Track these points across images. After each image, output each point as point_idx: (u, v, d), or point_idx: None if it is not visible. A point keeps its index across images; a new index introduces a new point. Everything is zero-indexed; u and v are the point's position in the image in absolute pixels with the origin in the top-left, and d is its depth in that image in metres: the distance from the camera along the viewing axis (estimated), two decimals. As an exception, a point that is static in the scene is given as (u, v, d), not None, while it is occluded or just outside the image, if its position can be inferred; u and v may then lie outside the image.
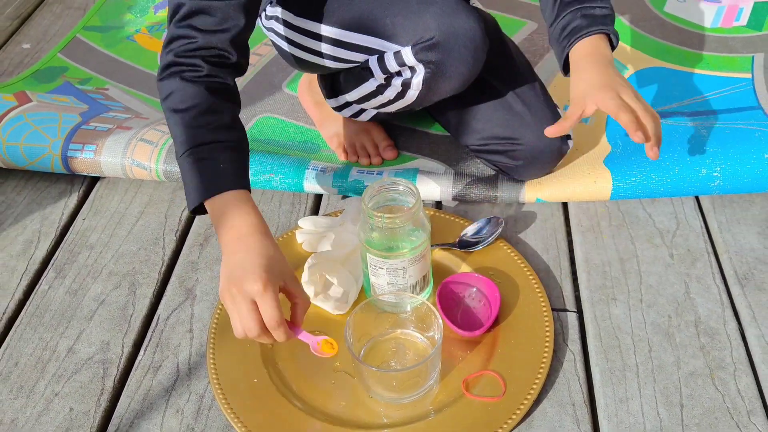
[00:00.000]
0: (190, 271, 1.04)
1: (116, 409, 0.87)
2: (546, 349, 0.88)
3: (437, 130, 1.24)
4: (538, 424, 0.82)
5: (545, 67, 1.36)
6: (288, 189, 1.14)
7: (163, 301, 1.00)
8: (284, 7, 1.02)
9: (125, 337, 0.96)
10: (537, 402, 0.84)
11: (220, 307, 0.96)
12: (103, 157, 1.15)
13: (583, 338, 0.92)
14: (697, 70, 1.32)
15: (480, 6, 1.49)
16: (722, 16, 1.46)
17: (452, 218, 1.06)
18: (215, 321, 0.94)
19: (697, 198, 1.09)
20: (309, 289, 0.95)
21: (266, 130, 1.26)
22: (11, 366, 0.93)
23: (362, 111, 1.12)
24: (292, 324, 0.81)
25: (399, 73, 0.98)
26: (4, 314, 1.00)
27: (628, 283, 0.97)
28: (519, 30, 1.47)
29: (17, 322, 0.99)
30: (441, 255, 1.01)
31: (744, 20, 1.45)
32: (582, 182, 1.08)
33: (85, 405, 0.88)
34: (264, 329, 0.77)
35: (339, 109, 1.15)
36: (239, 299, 0.76)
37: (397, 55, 0.95)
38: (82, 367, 0.92)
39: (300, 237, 1.03)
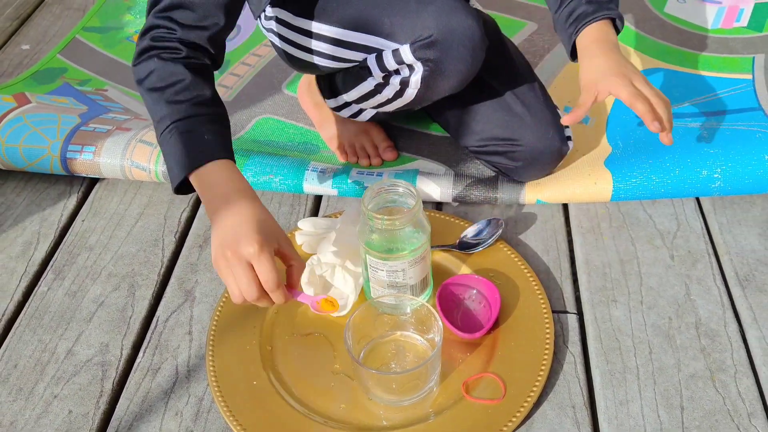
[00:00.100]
0: (189, 272, 1.04)
1: (115, 412, 0.87)
2: (546, 351, 0.87)
3: (437, 131, 1.23)
4: (538, 427, 0.82)
5: (545, 68, 1.36)
6: (287, 190, 1.13)
7: (162, 303, 1.00)
8: (283, 7, 1.02)
9: (124, 339, 0.95)
10: (537, 404, 0.84)
11: (219, 308, 0.95)
12: (103, 158, 1.15)
13: (584, 340, 0.91)
14: (697, 71, 1.32)
15: (479, 7, 1.49)
16: (723, 17, 1.46)
17: (452, 219, 1.06)
18: (215, 323, 0.94)
19: (697, 199, 1.09)
20: (309, 291, 0.94)
21: (266, 131, 1.26)
22: (10, 368, 0.93)
23: (361, 111, 1.12)
24: (289, 287, 0.80)
25: (397, 72, 0.98)
26: (3, 316, 1.00)
27: (629, 285, 0.97)
28: (519, 31, 1.47)
29: (16, 324, 0.98)
30: (441, 256, 1.01)
31: (744, 21, 1.45)
32: (582, 183, 1.07)
33: (84, 407, 0.88)
34: (262, 292, 0.77)
35: (338, 109, 1.15)
36: (235, 263, 0.76)
37: (395, 53, 0.94)
38: (81, 369, 0.92)
39: (300, 238, 1.03)
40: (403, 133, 1.24)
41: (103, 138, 1.17)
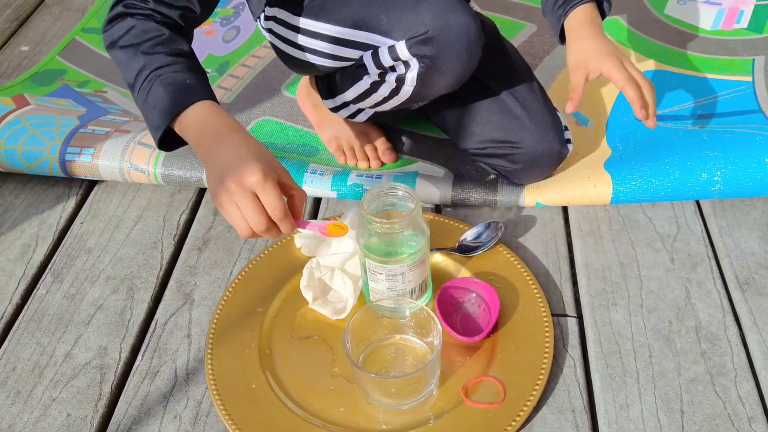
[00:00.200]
0: (188, 275, 1.04)
1: (114, 415, 0.87)
2: (546, 355, 0.87)
3: (436, 133, 1.23)
4: (538, 431, 0.82)
5: (545, 70, 1.36)
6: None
7: (161, 306, 1.00)
8: (282, 7, 1.02)
9: (123, 342, 0.95)
10: (537, 408, 0.84)
11: (218, 312, 0.95)
12: (101, 160, 1.15)
13: (583, 344, 0.91)
14: (697, 73, 1.32)
15: (478, 9, 1.49)
16: (723, 19, 1.46)
17: (452, 222, 1.06)
18: (213, 326, 0.94)
19: (697, 202, 1.09)
20: (308, 294, 0.94)
21: (265, 133, 1.26)
22: (9, 371, 0.93)
23: (359, 111, 1.12)
24: (293, 217, 0.79)
25: (393, 69, 0.97)
26: (1, 319, 1.00)
27: (629, 288, 0.97)
28: (518, 33, 1.47)
29: (15, 327, 0.98)
30: (440, 260, 1.01)
31: (744, 23, 1.44)
32: (582, 186, 1.07)
33: (82, 410, 0.87)
34: (270, 222, 0.75)
35: (336, 109, 1.14)
36: (239, 194, 0.74)
37: (391, 49, 0.94)
38: (79, 372, 0.92)
39: (299, 241, 1.03)
40: (403, 135, 1.24)
41: (101, 140, 1.17)
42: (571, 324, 0.93)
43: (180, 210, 1.15)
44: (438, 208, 1.12)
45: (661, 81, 1.31)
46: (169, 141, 0.86)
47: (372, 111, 1.10)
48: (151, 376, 0.91)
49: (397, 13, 0.94)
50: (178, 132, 0.83)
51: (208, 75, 0.89)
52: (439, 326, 0.83)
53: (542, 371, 0.85)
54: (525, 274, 0.97)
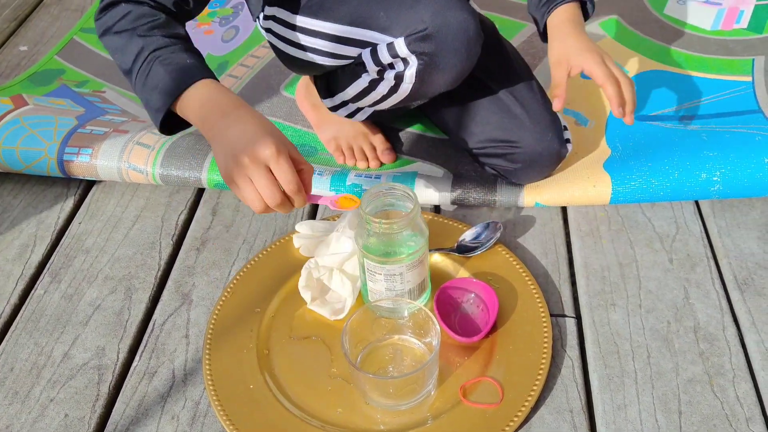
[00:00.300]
0: (186, 275, 1.03)
1: (111, 416, 0.87)
2: (544, 355, 0.87)
3: (436, 133, 1.23)
4: (536, 431, 0.82)
5: (544, 70, 1.36)
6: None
7: (159, 307, 0.99)
8: (281, 6, 1.02)
9: (121, 342, 0.95)
10: (535, 408, 0.84)
11: (216, 312, 0.95)
12: (100, 160, 1.15)
13: (582, 344, 0.91)
14: (697, 73, 1.32)
15: (477, 9, 1.49)
16: (722, 19, 1.46)
17: (451, 223, 1.06)
18: (211, 326, 0.94)
19: (696, 202, 1.09)
20: (306, 295, 0.94)
21: (264, 133, 1.26)
22: (6, 371, 0.92)
23: (358, 110, 1.12)
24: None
25: (392, 66, 0.97)
26: (-1, 319, 1.00)
27: (627, 289, 0.97)
28: (518, 33, 1.46)
29: (12, 327, 0.98)
30: (439, 260, 1.00)
31: (744, 23, 1.44)
32: (581, 186, 1.07)
33: (80, 411, 0.87)
34: (284, 196, 0.75)
35: (335, 108, 1.14)
36: (253, 168, 0.74)
37: (390, 46, 0.94)
38: (77, 372, 0.92)
39: (297, 241, 1.03)
40: (402, 135, 1.23)
41: (100, 140, 1.17)
42: (570, 324, 0.93)
43: (178, 210, 1.15)
44: (437, 209, 1.12)
45: (660, 81, 1.31)
46: (169, 124, 0.85)
47: (371, 110, 1.10)
48: (148, 377, 0.91)
49: (396, 11, 0.93)
50: (179, 113, 0.83)
51: None
52: (438, 326, 0.83)
53: (540, 371, 0.85)
54: (524, 274, 0.97)
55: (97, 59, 1.49)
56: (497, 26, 1.17)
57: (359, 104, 1.09)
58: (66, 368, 0.92)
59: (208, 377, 0.88)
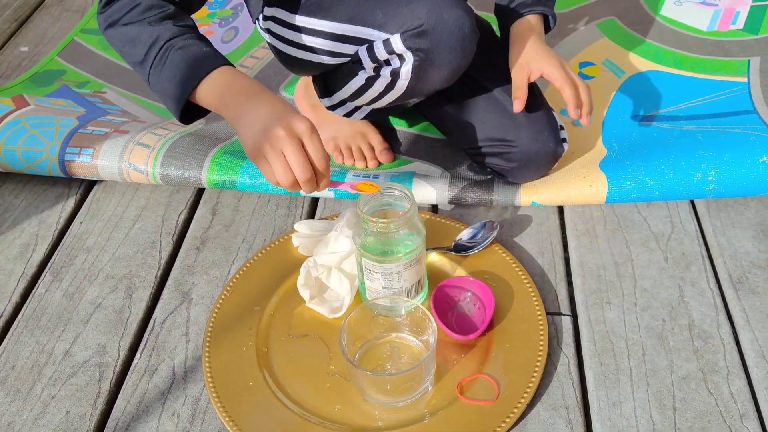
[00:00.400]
0: (186, 274, 1.04)
1: (112, 413, 0.88)
2: (540, 353, 0.88)
3: (433, 133, 1.24)
4: (532, 428, 0.83)
5: (541, 71, 1.36)
6: (284, 192, 1.14)
7: (159, 305, 1.00)
8: (280, 6, 1.03)
9: (121, 340, 0.96)
10: (531, 405, 0.84)
11: (216, 310, 0.96)
12: (101, 160, 1.16)
13: (578, 342, 0.92)
14: (693, 74, 1.33)
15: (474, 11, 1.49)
16: (719, 20, 1.47)
17: (448, 222, 1.07)
18: (211, 324, 0.94)
19: (692, 202, 1.10)
20: (305, 293, 0.95)
21: (263, 134, 1.27)
22: (8, 369, 0.93)
23: (356, 109, 1.13)
24: None
25: (388, 62, 0.98)
26: (1, 317, 1.00)
27: (623, 287, 0.98)
28: (516, 33, 1.47)
29: (14, 325, 0.99)
30: (436, 259, 1.01)
31: (740, 24, 1.45)
32: (577, 186, 1.08)
33: (81, 408, 0.88)
34: (312, 172, 0.77)
35: (333, 108, 1.15)
36: (287, 141, 0.75)
37: (386, 42, 0.95)
38: (78, 370, 0.93)
39: (296, 240, 1.04)
40: (400, 135, 1.24)
41: (101, 140, 1.18)
42: (566, 322, 0.94)
43: (178, 210, 1.15)
44: (434, 208, 1.13)
45: (656, 81, 1.32)
46: (184, 113, 0.86)
47: (369, 108, 1.11)
48: (149, 374, 0.91)
49: (392, 8, 0.95)
50: (197, 100, 0.83)
51: None
52: (435, 324, 0.84)
53: (536, 369, 0.86)
54: (520, 273, 0.98)
55: (97, 60, 1.50)
56: (493, 27, 1.18)
57: (357, 102, 1.09)
58: (67, 366, 0.93)
59: (208, 374, 0.89)
